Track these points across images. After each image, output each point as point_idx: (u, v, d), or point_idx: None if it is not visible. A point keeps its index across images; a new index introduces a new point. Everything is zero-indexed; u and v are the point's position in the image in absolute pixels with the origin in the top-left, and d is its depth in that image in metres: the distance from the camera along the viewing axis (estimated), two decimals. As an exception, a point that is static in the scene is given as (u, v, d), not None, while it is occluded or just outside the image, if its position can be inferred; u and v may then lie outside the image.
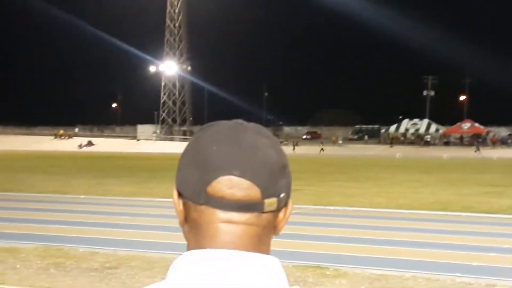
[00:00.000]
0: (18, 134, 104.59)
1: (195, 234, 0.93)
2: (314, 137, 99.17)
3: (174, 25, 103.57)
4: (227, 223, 0.90)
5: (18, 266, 9.21)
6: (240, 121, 0.97)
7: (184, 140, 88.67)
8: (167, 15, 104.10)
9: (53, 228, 12.89)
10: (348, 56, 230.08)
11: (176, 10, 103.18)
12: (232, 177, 0.88)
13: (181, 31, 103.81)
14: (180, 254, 0.92)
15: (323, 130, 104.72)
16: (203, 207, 0.91)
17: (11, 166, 38.08)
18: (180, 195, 0.94)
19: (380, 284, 8.34)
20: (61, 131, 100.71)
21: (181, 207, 0.95)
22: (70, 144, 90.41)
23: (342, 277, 8.68)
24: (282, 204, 0.94)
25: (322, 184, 25.87)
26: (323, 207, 17.33)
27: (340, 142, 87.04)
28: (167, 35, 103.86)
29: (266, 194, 0.90)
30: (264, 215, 0.92)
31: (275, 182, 0.91)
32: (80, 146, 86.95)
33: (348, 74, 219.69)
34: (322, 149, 72.53)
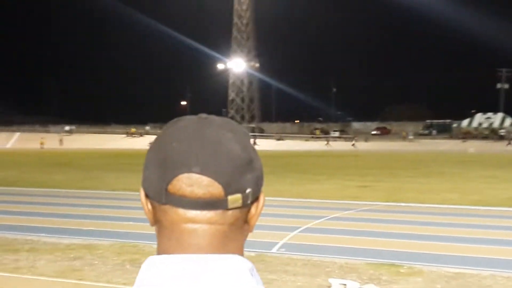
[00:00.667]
0: (92, 132, 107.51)
1: (162, 236, 0.91)
2: (384, 133, 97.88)
3: (242, 23, 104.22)
4: (191, 223, 0.88)
5: (95, 262, 9.44)
6: (204, 115, 0.94)
7: (253, 137, 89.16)
8: (235, 13, 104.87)
9: (128, 225, 13.16)
10: (418, 50, 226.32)
11: (244, 7, 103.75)
12: (192, 174, 0.85)
13: (248, 28, 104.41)
14: (150, 257, 0.91)
15: (393, 126, 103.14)
16: (166, 207, 0.88)
17: (86, 164, 39.12)
18: (146, 195, 0.92)
19: (457, 283, 8.15)
20: (133, 129, 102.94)
21: (149, 207, 0.92)
22: (142, 142, 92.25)
23: (417, 275, 8.53)
24: (249, 200, 0.89)
25: (392, 180, 25.49)
26: (394, 203, 17.05)
27: (411, 137, 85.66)
28: (235, 33, 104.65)
29: (229, 191, 0.86)
30: (230, 212, 0.88)
31: (239, 177, 0.87)
32: (151, 144, 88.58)
33: (418, 68, 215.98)
34: (353, 144, 73.59)
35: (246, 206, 0.90)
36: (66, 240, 11.33)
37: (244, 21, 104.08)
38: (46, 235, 11.89)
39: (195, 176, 0.85)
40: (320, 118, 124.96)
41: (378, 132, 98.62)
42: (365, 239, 11.34)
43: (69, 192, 20.64)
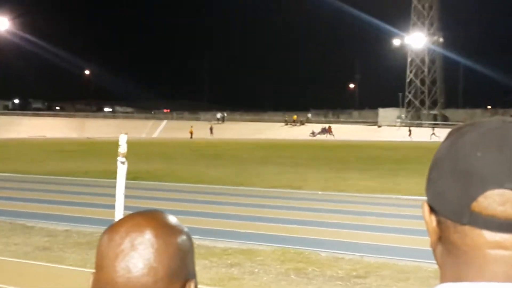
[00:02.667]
0: (246, 120, 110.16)
1: (455, 260, 0.89)
2: None
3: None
4: (499, 249, 0.85)
5: (256, 270, 9.69)
6: (509, 119, 0.90)
7: (435, 126, 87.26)
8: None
9: (291, 229, 13.37)
10: None
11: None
12: (505, 191, 0.83)
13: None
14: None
15: None
16: (466, 228, 0.87)
17: (241, 157, 40.16)
18: (433, 210, 0.91)
19: None
20: (294, 117, 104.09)
21: (434, 224, 0.91)
22: (303, 131, 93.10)
23: None
24: None
25: None
26: None
27: None
28: (415, 2, 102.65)
29: None
30: None
31: None
32: (313, 134, 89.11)
33: None
34: (433, 133, 73.25)
35: None
36: (221, 244, 11.72)
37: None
38: (200, 237, 12.32)
39: (509, 194, 0.84)
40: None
41: None
42: None
43: (223, 189, 21.31)
